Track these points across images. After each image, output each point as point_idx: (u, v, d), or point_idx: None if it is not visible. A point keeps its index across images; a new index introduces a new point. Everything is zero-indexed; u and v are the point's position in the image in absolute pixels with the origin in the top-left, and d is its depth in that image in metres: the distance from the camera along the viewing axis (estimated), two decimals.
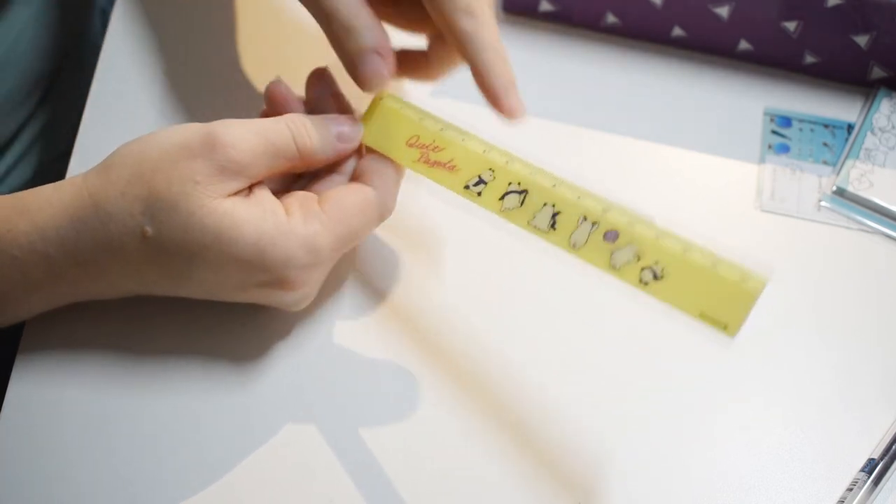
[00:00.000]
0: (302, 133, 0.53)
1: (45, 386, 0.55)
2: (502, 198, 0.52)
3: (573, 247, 0.50)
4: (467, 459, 0.55)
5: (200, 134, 0.51)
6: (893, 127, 0.67)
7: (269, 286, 0.52)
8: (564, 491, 0.54)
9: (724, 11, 0.67)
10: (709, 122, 0.67)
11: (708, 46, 0.70)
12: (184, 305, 0.55)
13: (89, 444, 0.53)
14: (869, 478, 0.55)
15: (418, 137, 0.54)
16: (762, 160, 0.66)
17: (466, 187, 0.53)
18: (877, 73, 0.68)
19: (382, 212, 0.54)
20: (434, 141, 0.54)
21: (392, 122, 0.55)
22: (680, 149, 0.66)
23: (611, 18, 0.70)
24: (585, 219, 0.50)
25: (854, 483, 0.55)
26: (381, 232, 0.60)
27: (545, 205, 0.51)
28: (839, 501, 0.54)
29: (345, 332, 0.58)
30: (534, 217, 0.51)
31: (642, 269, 0.49)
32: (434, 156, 0.54)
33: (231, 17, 0.69)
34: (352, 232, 0.53)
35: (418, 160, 0.54)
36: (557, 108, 0.67)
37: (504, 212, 0.52)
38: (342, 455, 0.54)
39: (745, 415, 0.57)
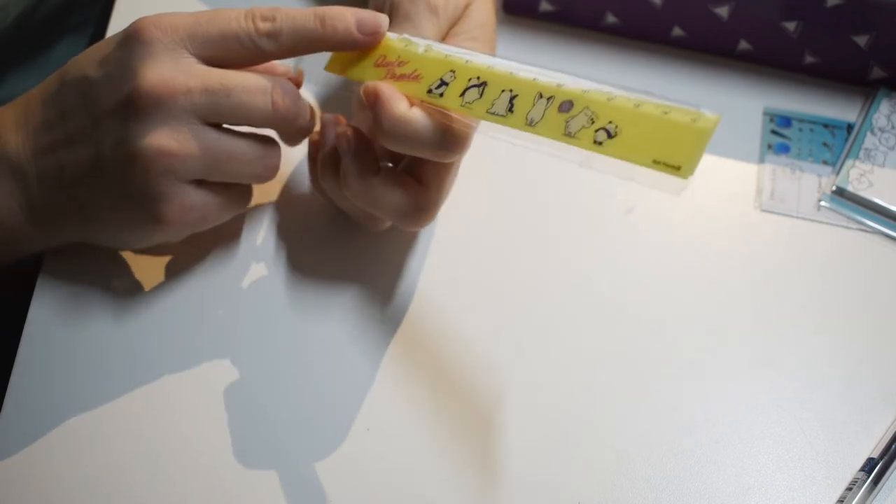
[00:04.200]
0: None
1: (45, 382, 0.55)
2: (462, 94, 0.51)
3: (530, 124, 0.49)
4: (467, 459, 0.55)
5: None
6: (893, 127, 0.67)
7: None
8: (564, 491, 0.54)
9: (724, 11, 0.67)
10: None
11: (708, 46, 0.70)
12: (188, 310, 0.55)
13: (91, 437, 0.54)
14: (868, 477, 0.55)
15: (384, 57, 0.54)
16: (762, 160, 0.66)
17: (429, 91, 0.52)
18: (877, 73, 0.68)
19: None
20: (399, 57, 0.54)
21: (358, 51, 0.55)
22: None
23: (611, 18, 0.70)
24: (541, 95, 0.49)
25: (853, 483, 0.55)
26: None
27: (503, 91, 0.50)
28: (838, 501, 0.54)
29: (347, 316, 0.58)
30: (492, 105, 0.50)
31: (596, 130, 0.47)
32: (399, 70, 0.53)
33: None
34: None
35: (384, 77, 0.53)
36: None
37: (465, 107, 0.51)
38: (342, 449, 0.54)
39: (744, 415, 0.57)
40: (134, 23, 0.52)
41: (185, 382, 0.56)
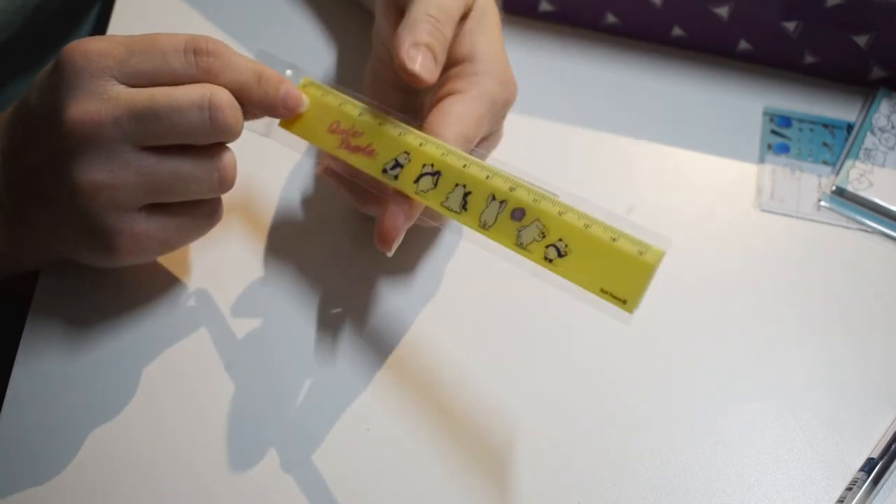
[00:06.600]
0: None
1: (45, 384, 0.55)
2: (417, 180, 0.51)
3: (483, 226, 0.49)
4: (467, 460, 0.55)
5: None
6: (893, 127, 0.67)
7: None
8: (564, 491, 0.54)
9: (724, 11, 0.67)
10: (709, 121, 0.67)
11: (708, 46, 0.70)
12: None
13: (91, 437, 0.54)
14: (868, 477, 0.55)
15: (339, 123, 0.54)
16: (762, 160, 0.66)
17: (384, 171, 0.52)
18: (877, 73, 0.68)
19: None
20: (353, 126, 0.54)
21: (313, 108, 0.55)
22: (680, 149, 0.66)
23: (611, 18, 0.70)
24: (494, 198, 0.49)
25: (853, 482, 0.55)
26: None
27: (457, 185, 0.50)
28: (838, 501, 0.54)
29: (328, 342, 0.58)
30: (447, 198, 0.50)
31: (546, 246, 0.48)
32: (354, 141, 0.53)
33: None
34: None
35: (339, 146, 0.53)
36: (557, 108, 0.67)
37: (419, 194, 0.51)
38: (338, 462, 0.54)
39: (744, 415, 0.57)
40: (64, 50, 0.50)
41: (181, 384, 0.56)
